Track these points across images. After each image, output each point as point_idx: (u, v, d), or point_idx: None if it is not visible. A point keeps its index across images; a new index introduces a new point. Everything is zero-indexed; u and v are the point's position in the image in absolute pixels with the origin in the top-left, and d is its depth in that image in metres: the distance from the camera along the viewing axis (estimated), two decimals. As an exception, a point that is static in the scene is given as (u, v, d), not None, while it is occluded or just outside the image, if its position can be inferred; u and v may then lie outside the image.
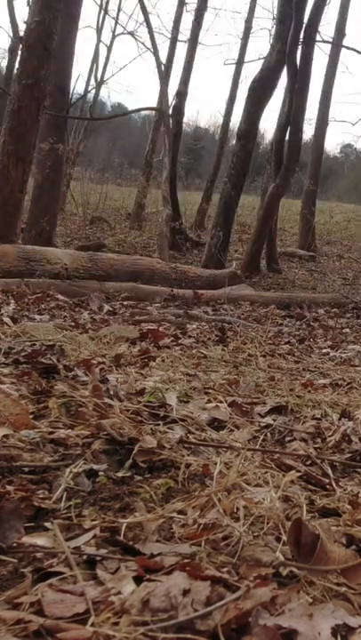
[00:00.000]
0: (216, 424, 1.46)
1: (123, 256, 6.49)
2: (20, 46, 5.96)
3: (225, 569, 0.78)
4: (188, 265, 7.63)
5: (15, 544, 0.82)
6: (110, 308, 4.21)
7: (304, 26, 8.70)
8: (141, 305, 4.71)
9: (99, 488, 1.01)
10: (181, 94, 11.89)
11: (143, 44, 18.38)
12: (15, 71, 7.49)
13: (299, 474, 1.14)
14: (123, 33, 16.04)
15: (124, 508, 0.94)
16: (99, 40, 17.13)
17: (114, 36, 18.10)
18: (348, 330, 4.68)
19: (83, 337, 2.41)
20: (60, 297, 4.25)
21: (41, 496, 0.96)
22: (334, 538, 0.89)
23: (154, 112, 13.35)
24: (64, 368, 1.71)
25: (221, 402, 1.61)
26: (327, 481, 1.16)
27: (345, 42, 13.43)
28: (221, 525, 0.87)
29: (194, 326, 3.68)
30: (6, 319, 2.75)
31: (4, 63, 14.44)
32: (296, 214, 14.97)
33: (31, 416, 1.28)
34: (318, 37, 10.59)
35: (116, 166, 18.86)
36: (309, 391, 2.01)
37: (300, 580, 0.77)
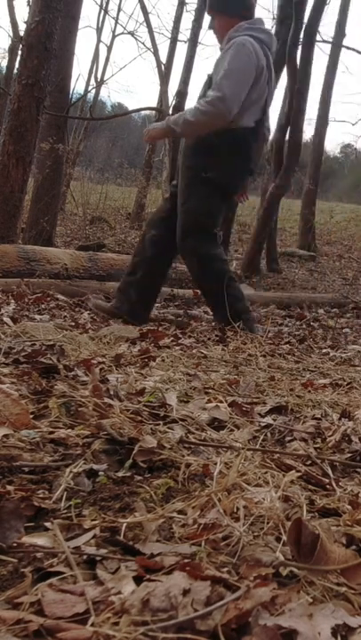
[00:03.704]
0: (216, 424, 1.45)
1: (123, 256, 6.48)
2: (20, 46, 5.95)
3: (225, 569, 0.78)
4: (188, 265, 7.61)
5: (15, 544, 0.82)
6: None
7: (304, 26, 8.71)
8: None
9: (99, 488, 1.01)
10: (181, 94, 11.88)
11: (143, 43, 18.42)
12: (15, 71, 7.48)
13: (299, 474, 1.14)
14: (123, 33, 16.07)
15: (124, 508, 0.94)
16: (99, 40, 17.17)
17: (114, 36, 18.16)
18: (348, 330, 4.68)
19: (83, 337, 2.41)
20: (60, 297, 4.25)
21: (41, 496, 0.96)
22: (334, 538, 0.89)
23: (154, 112, 13.35)
24: (64, 368, 1.71)
25: (221, 402, 1.61)
26: (327, 481, 1.16)
27: (345, 42, 13.45)
28: (221, 525, 0.87)
29: (194, 326, 3.68)
30: (6, 319, 2.75)
31: (4, 63, 14.44)
32: (296, 214, 14.98)
33: (31, 416, 1.28)
34: (318, 37, 10.60)
35: (116, 166, 18.86)
36: (309, 391, 2.01)
37: (300, 580, 0.77)
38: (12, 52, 13.25)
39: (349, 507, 1.03)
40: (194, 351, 2.57)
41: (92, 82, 17.35)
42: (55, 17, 5.73)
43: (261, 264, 9.53)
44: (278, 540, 0.86)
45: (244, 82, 3.20)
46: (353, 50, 13.52)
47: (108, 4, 16.66)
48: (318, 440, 1.45)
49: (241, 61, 3.19)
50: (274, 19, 11.30)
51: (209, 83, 3.36)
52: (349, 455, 1.36)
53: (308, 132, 14.71)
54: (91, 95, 17.05)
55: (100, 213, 13.29)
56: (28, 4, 6.05)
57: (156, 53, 11.19)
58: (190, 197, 3.33)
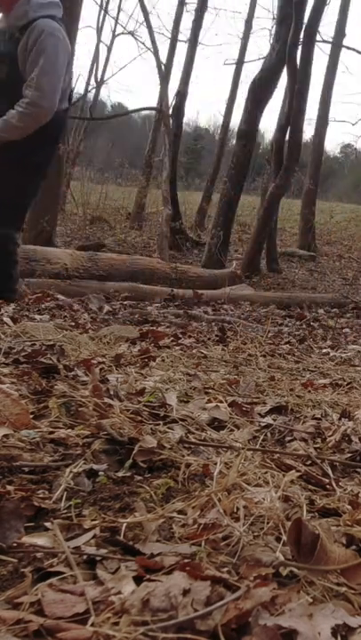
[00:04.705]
0: (216, 424, 1.45)
1: (123, 256, 6.49)
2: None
3: (225, 569, 0.78)
4: (188, 265, 7.63)
5: (15, 544, 0.82)
6: (110, 308, 4.21)
7: (304, 26, 8.71)
8: (141, 305, 4.71)
9: (99, 488, 1.01)
10: (181, 94, 11.89)
11: (143, 43, 18.43)
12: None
13: (299, 474, 1.14)
14: (123, 33, 16.07)
15: (124, 508, 0.94)
16: (99, 40, 17.17)
17: (114, 36, 18.13)
18: (348, 330, 4.68)
19: (83, 337, 2.40)
20: (60, 297, 4.25)
21: (41, 496, 0.96)
22: (334, 538, 0.89)
23: (154, 112, 13.35)
24: (64, 368, 1.71)
25: (221, 402, 1.61)
26: (327, 481, 1.16)
27: (345, 42, 13.46)
28: (221, 525, 0.87)
29: (194, 326, 3.68)
30: (6, 319, 2.75)
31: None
32: (296, 214, 14.98)
33: (31, 416, 1.28)
34: (318, 37, 10.61)
35: (117, 166, 18.85)
36: (309, 391, 2.01)
37: (300, 580, 0.77)
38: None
39: (349, 507, 1.03)
40: (194, 351, 2.57)
41: (92, 82, 17.34)
42: (55, 17, 5.71)
43: (261, 264, 9.53)
44: (278, 540, 0.86)
45: (60, 74, 3.28)
46: (353, 50, 13.53)
47: (108, 3, 16.65)
48: (318, 440, 1.45)
49: (54, 54, 3.23)
50: (274, 19, 11.31)
51: (8, 70, 3.31)
52: (349, 455, 1.36)
53: (308, 132, 14.74)
54: (91, 95, 17.05)
55: (100, 213, 13.28)
56: (28, 4, 6.04)
57: (156, 53, 11.19)
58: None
